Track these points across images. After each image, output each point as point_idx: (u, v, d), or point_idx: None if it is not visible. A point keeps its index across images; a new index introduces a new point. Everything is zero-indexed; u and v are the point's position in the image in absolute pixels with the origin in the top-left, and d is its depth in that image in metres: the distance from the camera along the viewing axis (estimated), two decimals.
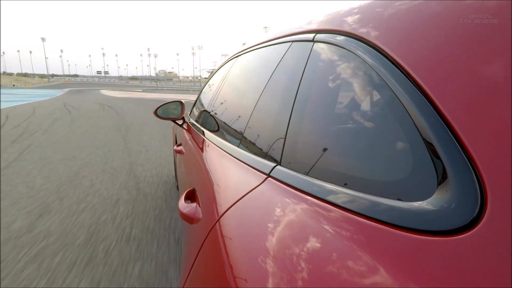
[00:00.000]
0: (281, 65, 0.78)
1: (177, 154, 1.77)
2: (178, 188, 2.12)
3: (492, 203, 0.25)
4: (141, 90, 36.96)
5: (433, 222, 0.29)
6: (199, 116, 1.63)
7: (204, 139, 1.24)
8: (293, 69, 0.70)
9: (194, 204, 0.83)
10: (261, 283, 0.39)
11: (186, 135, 1.65)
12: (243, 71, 1.22)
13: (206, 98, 1.68)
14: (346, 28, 0.53)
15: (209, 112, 1.43)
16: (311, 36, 0.66)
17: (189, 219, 0.80)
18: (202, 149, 1.18)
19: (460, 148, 0.29)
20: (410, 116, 0.35)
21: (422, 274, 0.26)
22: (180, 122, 1.86)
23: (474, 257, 0.24)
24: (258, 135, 0.77)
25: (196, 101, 1.97)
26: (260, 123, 0.79)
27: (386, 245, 0.31)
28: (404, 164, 0.35)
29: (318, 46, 0.62)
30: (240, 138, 0.86)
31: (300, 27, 0.75)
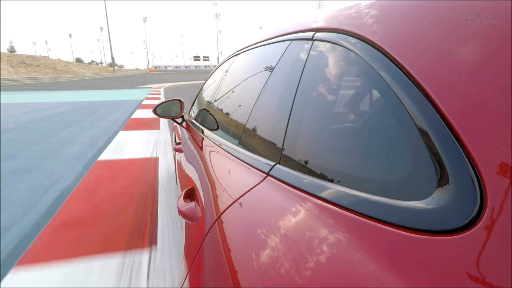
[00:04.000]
0: (280, 63, 0.77)
1: (177, 152, 1.77)
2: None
3: (491, 203, 0.25)
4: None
5: (433, 221, 0.29)
6: (198, 115, 1.62)
7: (203, 138, 1.23)
8: (292, 67, 0.70)
9: (194, 203, 0.83)
10: (260, 282, 0.39)
11: (186, 134, 1.65)
12: (242, 70, 1.21)
13: (205, 96, 1.67)
14: (346, 27, 0.53)
15: (208, 111, 1.42)
16: (310, 34, 0.66)
17: (188, 217, 0.80)
18: (201, 148, 1.18)
19: (460, 148, 0.29)
20: (410, 115, 0.35)
21: (421, 273, 0.26)
22: (179, 120, 1.86)
23: (473, 257, 0.24)
24: (258, 134, 0.77)
25: (195, 100, 1.97)
26: (260, 122, 0.78)
27: (386, 245, 0.31)
28: (404, 163, 0.35)
29: (318, 45, 0.62)
30: (239, 137, 0.86)
31: (299, 25, 0.75)
